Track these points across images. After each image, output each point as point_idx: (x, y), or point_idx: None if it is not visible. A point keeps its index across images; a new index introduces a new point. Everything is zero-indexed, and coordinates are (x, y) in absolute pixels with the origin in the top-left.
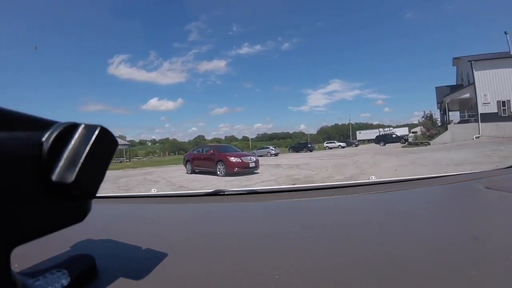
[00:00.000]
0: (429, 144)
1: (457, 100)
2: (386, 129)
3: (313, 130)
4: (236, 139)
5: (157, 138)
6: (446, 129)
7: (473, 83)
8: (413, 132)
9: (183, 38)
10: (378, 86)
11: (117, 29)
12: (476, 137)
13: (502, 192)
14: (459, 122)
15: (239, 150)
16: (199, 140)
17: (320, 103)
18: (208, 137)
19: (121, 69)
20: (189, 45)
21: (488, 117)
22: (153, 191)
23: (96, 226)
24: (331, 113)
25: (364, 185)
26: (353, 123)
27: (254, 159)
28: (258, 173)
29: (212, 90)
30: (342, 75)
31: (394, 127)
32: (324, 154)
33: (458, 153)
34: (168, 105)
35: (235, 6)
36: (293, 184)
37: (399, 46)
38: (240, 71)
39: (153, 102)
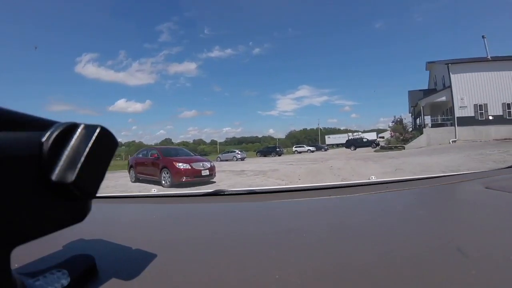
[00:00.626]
0: (404, 148)
1: (432, 104)
2: (355, 133)
3: (281, 135)
4: (205, 143)
5: (124, 140)
6: (421, 133)
7: (450, 86)
8: (380, 137)
9: (154, 38)
10: (346, 93)
11: (87, 26)
12: (452, 141)
13: (502, 192)
14: (430, 126)
15: (192, 153)
16: (166, 144)
17: (288, 108)
18: (176, 140)
19: (89, 68)
20: (160, 46)
21: (465, 121)
22: (153, 191)
23: (96, 226)
24: (299, 118)
25: (364, 185)
26: (321, 128)
27: (209, 165)
28: (214, 182)
29: (181, 92)
30: (310, 81)
31: (362, 132)
32: (294, 159)
33: (443, 158)
34: (136, 106)
35: (207, 9)
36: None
37: (367, 54)
38: (210, 74)
39: (121, 103)
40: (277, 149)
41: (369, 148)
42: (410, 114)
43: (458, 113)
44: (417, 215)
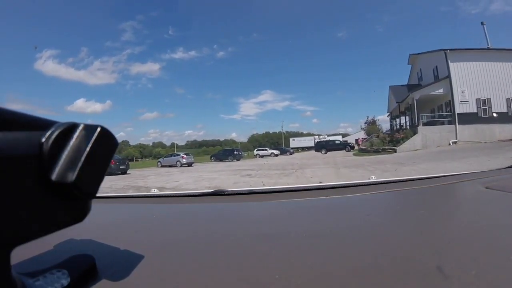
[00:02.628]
0: (395, 151)
1: (421, 98)
2: (321, 136)
3: (244, 139)
4: (165, 146)
5: None
6: (414, 132)
7: (448, 77)
8: (344, 141)
9: (117, 37)
10: (307, 99)
11: (49, 20)
12: (452, 142)
13: (502, 192)
14: (422, 125)
15: None
16: (122, 146)
17: (251, 112)
18: (135, 142)
19: (49, 64)
20: (123, 45)
21: (466, 118)
22: (153, 191)
23: (96, 226)
24: (261, 123)
25: (364, 185)
26: (284, 131)
27: None
28: None
29: (143, 93)
30: (273, 86)
31: (327, 136)
32: (255, 165)
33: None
34: (95, 107)
35: (173, 9)
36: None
37: (329, 62)
38: (173, 76)
39: (80, 103)
40: (235, 153)
41: (343, 152)
42: (387, 114)
43: (458, 108)
44: (417, 215)
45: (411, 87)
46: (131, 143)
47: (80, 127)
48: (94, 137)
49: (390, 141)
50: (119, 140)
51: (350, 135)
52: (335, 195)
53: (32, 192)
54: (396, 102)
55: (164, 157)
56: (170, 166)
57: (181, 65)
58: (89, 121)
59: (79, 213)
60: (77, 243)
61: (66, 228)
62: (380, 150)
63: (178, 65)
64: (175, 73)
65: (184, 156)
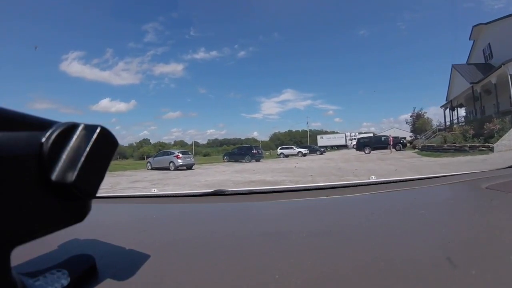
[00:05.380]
0: (492, 150)
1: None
2: (352, 134)
3: (265, 137)
4: (185, 144)
5: None
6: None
7: None
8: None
9: (140, 38)
10: (329, 98)
11: (74, 23)
12: None
13: (502, 192)
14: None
15: None
16: (143, 145)
17: (273, 111)
18: (158, 141)
19: (74, 66)
20: (145, 46)
21: None
22: (153, 191)
23: (96, 226)
24: (283, 121)
25: (364, 185)
26: (306, 130)
27: None
28: None
29: (166, 93)
30: (295, 85)
31: (359, 134)
32: (282, 170)
33: None
34: (120, 106)
35: (193, 10)
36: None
37: (351, 61)
38: (195, 76)
39: (105, 103)
40: (253, 151)
41: (392, 150)
42: (442, 105)
43: None
44: (417, 215)
45: (481, 66)
46: (153, 142)
47: (80, 127)
48: (94, 137)
49: (474, 136)
50: (141, 138)
51: (376, 134)
52: (336, 195)
53: (32, 192)
54: (470, 83)
55: (155, 157)
56: (167, 169)
57: (202, 65)
58: (113, 120)
59: (79, 213)
60: (77, 243)
61: (66, 228)
62: (467, 148)
63: (200, 65)
64: (197, 73)
65: (180, 155)
